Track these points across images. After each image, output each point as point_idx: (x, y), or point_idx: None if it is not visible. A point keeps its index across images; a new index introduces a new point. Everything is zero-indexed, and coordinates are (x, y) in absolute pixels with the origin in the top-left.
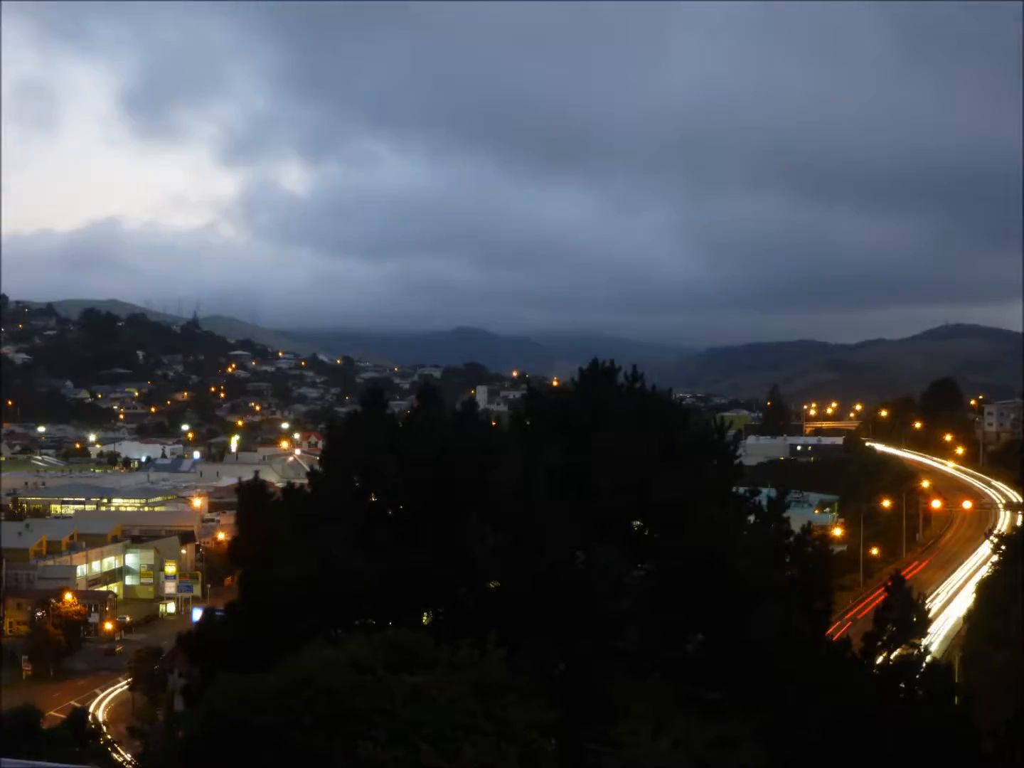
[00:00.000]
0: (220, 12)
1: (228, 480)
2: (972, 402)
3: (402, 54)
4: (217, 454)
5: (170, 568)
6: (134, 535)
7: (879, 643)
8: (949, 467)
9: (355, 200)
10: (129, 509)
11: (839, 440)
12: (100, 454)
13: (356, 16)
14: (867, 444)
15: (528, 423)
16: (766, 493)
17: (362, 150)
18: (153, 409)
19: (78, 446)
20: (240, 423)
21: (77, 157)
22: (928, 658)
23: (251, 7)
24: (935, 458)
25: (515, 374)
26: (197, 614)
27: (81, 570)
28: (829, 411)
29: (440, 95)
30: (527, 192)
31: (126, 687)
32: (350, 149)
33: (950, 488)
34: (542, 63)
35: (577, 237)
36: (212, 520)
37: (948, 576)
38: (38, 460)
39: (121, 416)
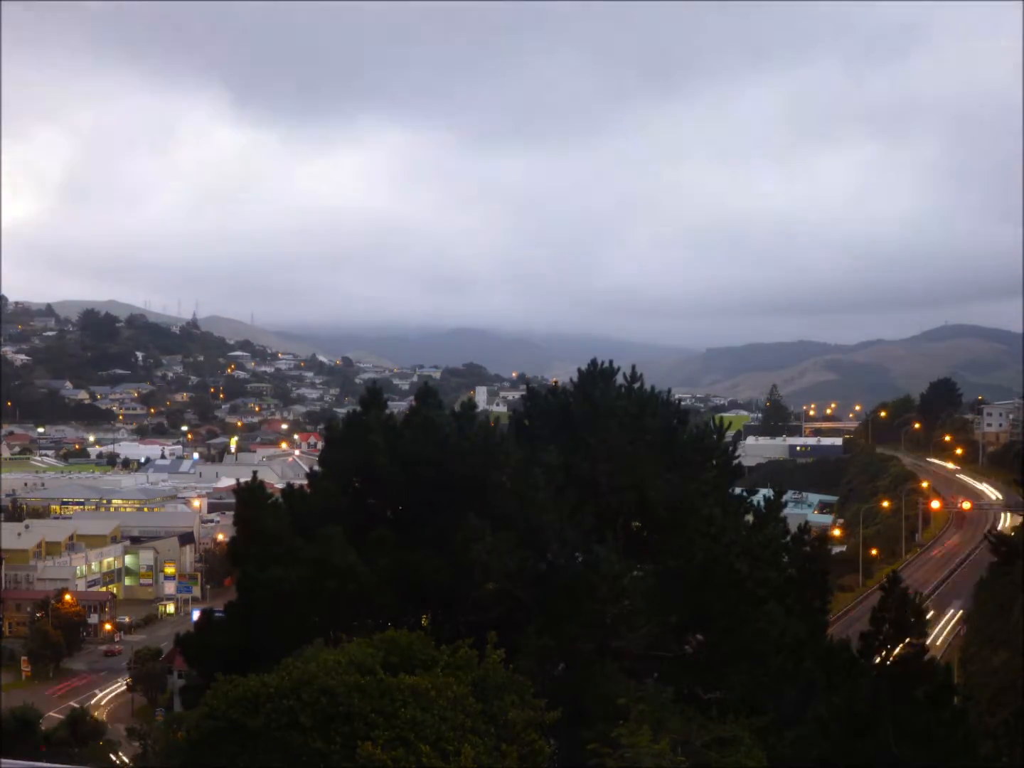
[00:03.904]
0: None
1: (227, 481)
2: (972, 402)
3: None
4: (216, 455)
5: (169, 569)
6: (133, 536)
7: (877, 643)
8: (948, 468)
9: None
10: (128, 510)
11: (838, 441)
12: (99, 455)
13: None
14: (866, 445)
15: (527, 423)
16: (764, 493)
17: None
18: (152, 410)
19: (77, 447)
20: (239, 424)
21: None
22: (927, 658)
23: None
24: (934, 459)
25: (514, 374)
26: (196, 615)
27: (80, 571)
28: (828, 412)
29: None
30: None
31: (125, 688)
32: None
33: (949, 488)
34: None
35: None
36: (211, 521)
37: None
38: (37, 461)
39: (120, 417)
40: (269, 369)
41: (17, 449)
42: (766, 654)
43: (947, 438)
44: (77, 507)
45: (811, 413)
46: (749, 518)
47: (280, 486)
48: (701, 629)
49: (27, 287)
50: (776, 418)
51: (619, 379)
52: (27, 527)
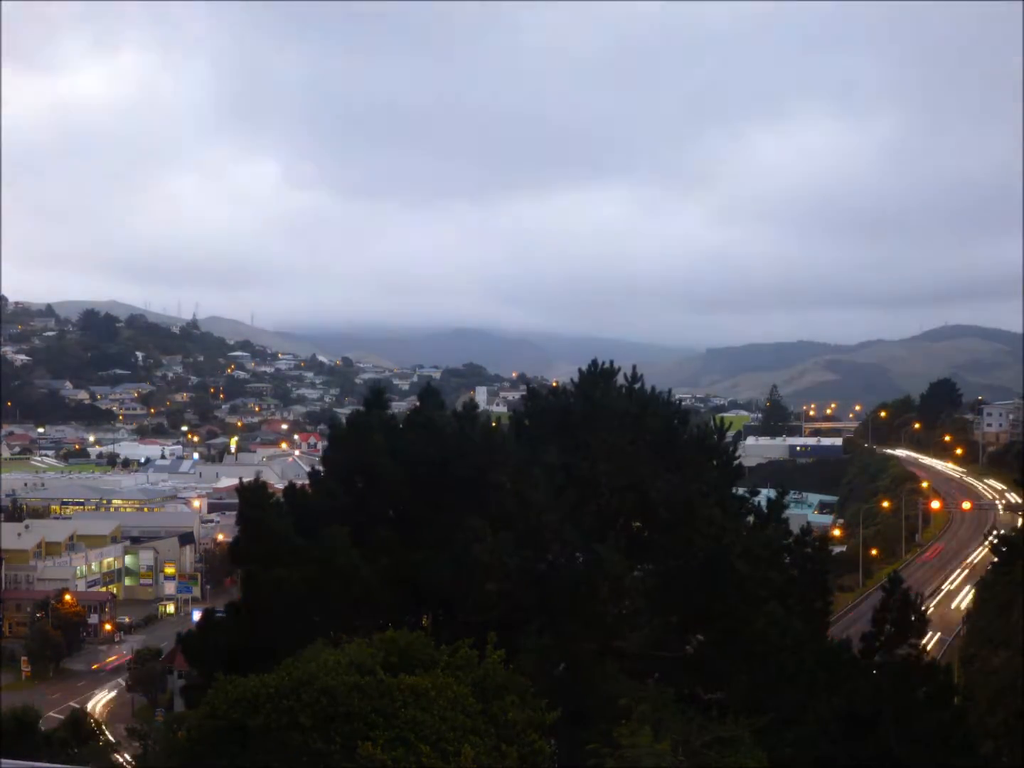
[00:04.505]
0: None
1: (227, 481)
2: (972, 402)
3: None
4: (216, 455)
5: (169, 569)
6: (133, 536)
7: (878, 643)
8: (948, 468)
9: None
10: (128, 510)
11: (838, 441)
12: (99, 455)
13: None
14: (866, 445)
15: (528, 424)
16: (765, 494)
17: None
18: (152, 410)
19: (77, 447)
20: (239, 424)
21: None
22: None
23: None
24: (934, 459)
25: (515, 375)
26: (196, 615)
27: (80, 571)
28: (828, 412)
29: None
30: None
31: (125, 688)
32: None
33: (949, 489)
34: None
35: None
36: (211, 521)
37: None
38: (37, 461)
39: (120, 417)
40: (269, 369)
41: (17, 449)
42: (767, 654)
43: (947, 438)
44: (77, 507)
45: (811, 413)
46: (750, 519)
47: (280, 486)
48: (702, 629)
49: (27, 287)
50: (776, 418)
51: (619, 379)
52: (27, 527)
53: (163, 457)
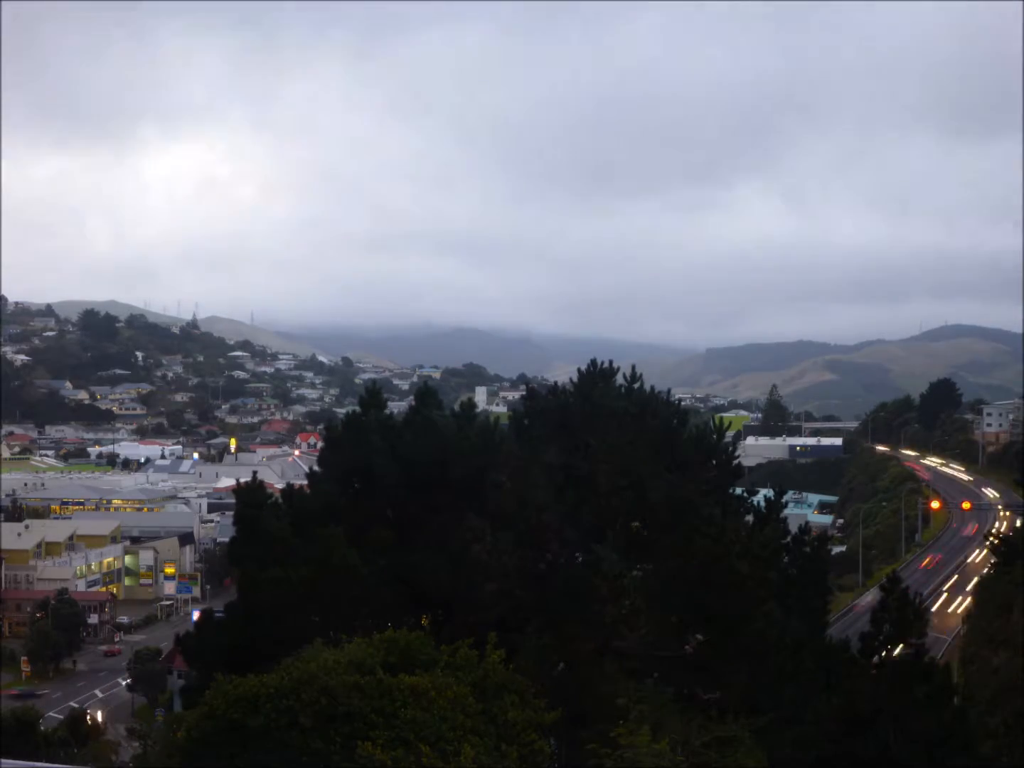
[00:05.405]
0: None
1: (227, 481)
2: (972, 402)
3: None
4: (216, 455)
5: (169, 569)
6: (133, 536)
7: (877, 643)
8: (948, 468)
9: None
10: (128, 510)
11: (838, 441)
12: (99, 455)
13: None
14: (866, 445)
15: (527, 423)
16: (764, 494)
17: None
18: (152, 410)
19: (77, 447)
20: (239, 424)
21: None
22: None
23: None
24: (934, 459)
25: (515, 375)
26: (196, 615)
27: (80, 571)
28: (828, 412)
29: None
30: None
31: (125, 688)
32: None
33: (949, 489)
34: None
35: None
36: (211, 521)
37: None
38: (37, 461)
39: (120, 417)
40: (269, 369)
41: (17, 449)
42: (766, 654)
43: (947, 438)
44: (77, 507)
45: (811, 413)
46: (749, 518)
47: (280, 486)
48: (701, 629)
49: (27, 287)
50: (776, 418)
51: (619, 379)
52: (27, 527)
53: (163, 457)
